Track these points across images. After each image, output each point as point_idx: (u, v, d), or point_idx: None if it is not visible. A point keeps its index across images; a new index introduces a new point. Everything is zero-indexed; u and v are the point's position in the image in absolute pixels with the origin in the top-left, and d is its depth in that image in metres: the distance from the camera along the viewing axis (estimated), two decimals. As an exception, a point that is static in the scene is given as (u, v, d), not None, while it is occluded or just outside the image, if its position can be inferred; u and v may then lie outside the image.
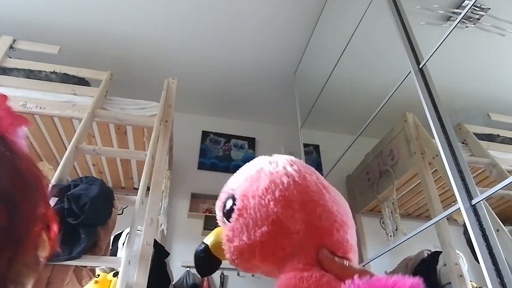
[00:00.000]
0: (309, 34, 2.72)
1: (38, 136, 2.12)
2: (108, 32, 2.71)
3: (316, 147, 3.29)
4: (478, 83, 1.90)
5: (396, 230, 2.14)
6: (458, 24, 1.33)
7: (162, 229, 2.36)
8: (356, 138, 2.05)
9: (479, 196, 1.10)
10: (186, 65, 2.98)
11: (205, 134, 3.37)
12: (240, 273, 2.65)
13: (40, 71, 2.07)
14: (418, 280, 0.34)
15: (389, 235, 2.17)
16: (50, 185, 1.42)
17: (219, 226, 0.53)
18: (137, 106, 2.07)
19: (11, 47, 2.19)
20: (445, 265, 1.86)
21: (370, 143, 2.56)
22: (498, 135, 1.76)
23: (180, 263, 2.51)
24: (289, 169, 0.50)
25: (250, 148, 3.38)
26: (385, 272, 2.20)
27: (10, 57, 2.16)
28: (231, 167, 3.18)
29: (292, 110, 3.02)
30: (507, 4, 1.58)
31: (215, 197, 0.55)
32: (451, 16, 1.61)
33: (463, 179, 1.18)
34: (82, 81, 2.13)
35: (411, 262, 2.11)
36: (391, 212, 2.23)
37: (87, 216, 1.31)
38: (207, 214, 2.72)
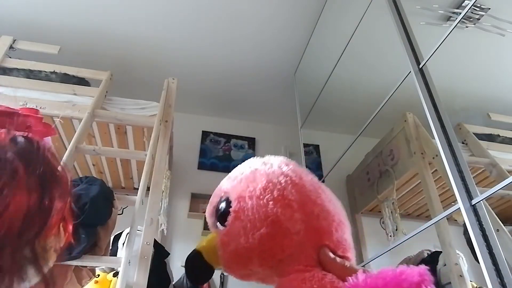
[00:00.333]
0: (309, 34, 2.72)
1: (38, 136, 2.12)
2: (108, 32, 2.71)
3: (316, 147, 3.28)
4: (478, 83, 1.90)
5: (396, 230, 2.14)
6: (458, 24, 1.33)
7: (162, 229, 2.36)
8: (356, 138, 2.05)
9: (479, 196, 1.10)
10: (186, 65, 2.98)
11: (205, 134, 3.37)
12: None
13: (40, 71, 2.07)
14: (424, 268, 0.34)
15: (389, 235, 2.17)
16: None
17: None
18: (137, 106, 2.07)
19: (11, 47, 2.19)
20: (445, 265, 1.86)
21: (370, 143, 2.56)
22: (498, 135, 1.76)
23: (180, 263, 2.51)
24: (285, 168, 0.49)
25: (250, 148, 3.38)
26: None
27: (10, 57, 2.16)
28: (231, 167, 3.10)
29: (292, 110, 3.02)
30: (507, 4, 1.58)
31: (215, 197, 0.55)
32: (451, 16, 1.61)
33: (463, 179, 1.18)
34: (82, 81, 2.13)
35: (411, 262, 2.11)
36: (391, 212, 2.23)
37: (87, 216, 1.31)
38: (207, 214, 2.71)
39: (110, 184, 2.63)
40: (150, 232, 1.55)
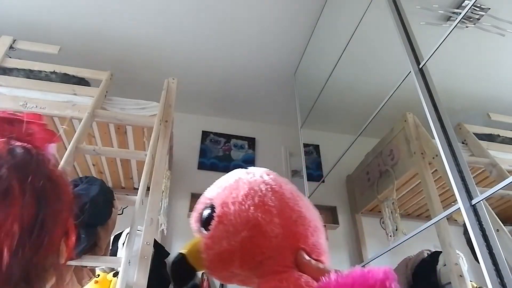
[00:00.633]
0: (309, 34, 2.72)
1: (38, 136, 2.12)
2: (108, 32, 2.71)
3: (316, 147, 3.29)
4: (478, 83, 1.90)
5: (396, 230, 2.14)
6: (458, 24, 1.33)
7: (162, 229, 2.36)
8: (356, 138, 2.05)
9: (479, 196, 1.10)
10: (186, 65, 2.98)
11: (205, 134, 3.37)
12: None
13: (40, 71, 2.07)
14: (389, 267, 0.37)
15: (389, 235, 2.17)
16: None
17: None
18: (137, 106, 2.07)
19: (11, 47, 2.19)
20: (445, 265, 1.86)
21: (370, 143, 2.56)
22: (498, 135, 1.76)
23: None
24: (266, 178, 0.52)
25: (250, 148, 3.38)
26: (385, 272, 2.20)
27: (10, 57, 2.15)
28: (231, 167, 3.16)
29: (292, 110, 3.02)
30: (507, 4, 1.58)
31: (215, 197, 0.55)
32: (451, 16, 1.61)
33: (463, 179, 1.18)
34: (82, 81, 2.13)
35: (411, 262, 2.11)
36: (391, 212, 2.23)
37: (87, 216, 1.31)
38: (207, 214, 2.71)
39: (110, 184, 2.63)
40: (150, 232, 1.55)
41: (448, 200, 1.85)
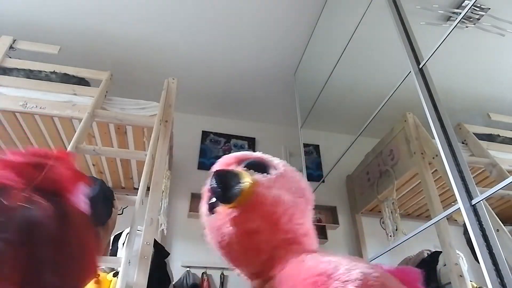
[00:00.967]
0: (309, 34, 2.72)
1: (38, 136, 2.12)
2: (108, 32, 2.71)
3: (316, 147, 3.29)
4: (478, 83, 1.90)
5: (396, 230, 2.14)
6: (458, 24, 1.33)
7: (162, 229, 2.36)
8: (356, 138, 2.05)
9: (479, 196, 1.10)
10: (186, 65, 2.98)
11: (205, 134, 3.37)
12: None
13: (40, 71, 2.07)
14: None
15: (389, 235, 2.18)
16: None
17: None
18: (137, 106, 2.06)
19: (11, 47, 2.19)
20: (445, 265, 1.86)
21: (370, 143, 2.56)
22: (498, 135, 1.76)
23: (180, 263, 2.51)
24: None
25: (250, 148, 3.38)
26: (385, 272, 2.20)
27: (10, 57, 2.15)
28: (231, 167, 3.16)
29: (292, 110, 3.02)
30: (507, 4, 1.58)
31: (215, 197, 0.56)
32: (451, 16, 1.61)
33: (463, 179, 1.18)
34: (82, 81, 2.13)
35: (411, 262, 2.11)
36: (391, 212, 2.23)
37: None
38: (207, 214, 2.71)
39: (110, 184, 2.63)
40: (150, 232, 1.55)
41: (448, 200, 1.85)
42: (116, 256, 1.82)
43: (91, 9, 2.56)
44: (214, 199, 0.55)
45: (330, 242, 2.71)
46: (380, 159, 2.43)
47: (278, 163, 0.59)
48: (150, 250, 1.51)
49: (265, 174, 0.54)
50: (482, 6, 1.51)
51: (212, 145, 3.32)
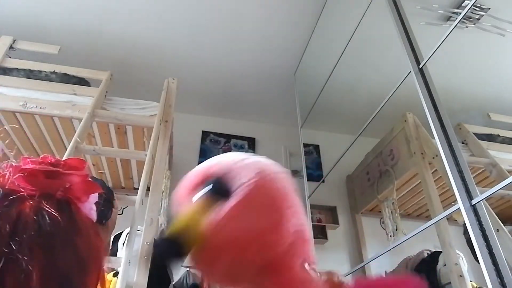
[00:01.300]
0: (309, 34, 2.72)
1: (38, 136, 2.12)
2: (108, 32, 2.71)
3: (316, 147, 3.29)
4: (478, 83, 1.90)
5: (396, 230, 2.14)
6: (458, 24, 1.33)
7: (162, 229, 2.36)
8: (356, 138, 2.05)
9: (479, 196, 1.10)
10: (186, 65, 2.98)
11: (205, 134, 3.37)
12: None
13: (40, 71, 2.07)
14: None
15: (389, 235, 2.17)
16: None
17: None
18: (137, 106, 2.06)
19: (11, 47, 2.19)
20: (445, 265, 1.86)
21: (370, 143, 2.56)
22: (498, 135, 1.76)
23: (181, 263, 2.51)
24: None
25: (250, 148, 3.38)
26: (385, 272, 2.20)
27: (10, 57, 2.15)
28: (231, 167, 3.16)
29: (292, 110, 3.01)
30: (507, 4, 1.58)
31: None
32: (451, 16, 1.61)
33: (463, 179, 1.18)
34: (82, 81, 2.13)
35: (411, 262, 2.11)
36: (391, 212, 2.23)
37: (87, 216, 1.31)
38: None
39: (110, 184, 2.63)
40: (150, 232, 1.55)
41: (448, 200, 1.85)
42: (116, 256, 1.82)
43: (91, 9, 2.56)
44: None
45: (330, 242, 2.71)
46: (380, 159, 2.43)
47: (244, 181, 0.49)
48: (150, 250, 1.51)
49: (223, 200, 0.48)
50: (482, 6, 1.51)
51: (212, 145, 3.32)
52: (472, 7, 1.35)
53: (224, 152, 3.08)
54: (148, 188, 1.68)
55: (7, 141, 2.15)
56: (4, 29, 2.39)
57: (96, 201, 0.44)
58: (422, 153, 1.98)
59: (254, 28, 2.71)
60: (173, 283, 2.17)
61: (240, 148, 3.35)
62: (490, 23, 1.56)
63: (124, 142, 2.22)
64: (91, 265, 0.38)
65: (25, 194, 0.36)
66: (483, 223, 1.08)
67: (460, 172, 1.19)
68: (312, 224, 2.59)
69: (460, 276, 1.70)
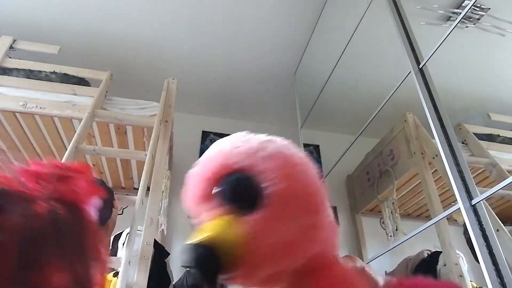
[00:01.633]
0: (309, 34, 2.72)
1: (38, 136, 2.12)
2: (108, 32, 2.71)
3: (316, 147, 3.28)
4: (478, 83, 1.90)
5: (396, 230, 2.13)
6: (458, 24, 1.33)
7: (162, 229, 2.36)
8: (356, 138, 2.05)
9: (479, 196, 1.10)
10: (186, 65, 2.98)
11: (205, 134, 3.37)
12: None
13: (40, 71, 2.07)
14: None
15: (389, 235, 2.17)
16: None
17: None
18: (137, 106, 2.06)
19: (11, 47, 2.19)
20: (445, 265, 1.86)
21: (370, 143, 2.56)
22: (498, 135, 1.76)
23: (180, 263, 2.51)
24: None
25: (250, 148, 3.37)
26: (385, 272, 2.20)
27: (10, 57, 2.15)
28: (231, 167, 3.16)
29: (292, 110, 3.01)
30: (507, 4, 1.58)
31: (215, 197, 0.54)
32: (451, 16, 1.61)
33: (463, 179, 1.18)
34: (82, 81, 2.13)
35: (411, 262, 2.11)
36: (391, 212, 2.23)
37: (87, 216, 1.31)
38: (207, 214, 2.70)
39: (110, 184, 2.62)
40: (150, 232, 1.55)
41: (448, 200, 1.85)
42: (116, 256, 1.82)
43: (91, 9, 2.55)
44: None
45: (330, 242, 2.70)
46: (380, 159, 2.43)
47: (273, 177, 0.41)
48: (150, 250, 1.51)
49: (252, 205, 0.39)
50: (482, 6, 1.51)
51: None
52: (472, 7, 1.36)
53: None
54: (148, 188, 1.68)
55: (7, 141, 2.15)
56: (4, 29, 2.39)
57: (97, 203, 0.45)
58: (422, 153, 1.98)
59: (254, 28, 2.71)
60: (173, 283, 2.18)
61: (240, 148, 3.34)
62: (490, 23, 1.56)
63: (124, 142, 2.22)
64: (97, 264, 0.39)
65: (36, 196, 0.38)
66: (483, 223, 1.08)
67: (460, 172, 1.19)
68: (312, 224, 2.58)
69: (460, 276, 1.70)
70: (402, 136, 2.18)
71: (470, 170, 1.19)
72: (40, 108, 1.89)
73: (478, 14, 1.53)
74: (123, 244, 1.88)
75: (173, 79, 2.27)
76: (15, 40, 2.23)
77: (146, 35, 2.74)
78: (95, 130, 2.12)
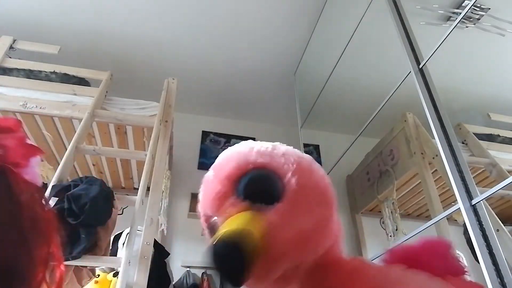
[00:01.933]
0: (309, 34, 2.72)
1: (38, 136, 2.12)
2: (108, 32, 2.71)
3: (316, 147, 3.29)
4: (478, 83, 1.90)
5: (396, 230, 2.14)
6: (458, 24, 1.33)
7: (162, 229, 2.36)
8: (356, 138, 2.05)
9: (479, 196, 1.10)
10: (186, 65, 2.98)
11: (205, 134, 3.37)
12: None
13: (40, 71, 2.07)
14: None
15: (389, 235, 2.17)
16: (51, 185, 1.43)
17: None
18: (137, 106, 2.07)
19: (11, 47, 2.19)
20: (445, 265, 1.85)
21: (370, 143, 2.56)
22: (498, 135, 1.76)
23: (180, 263, 2.51)
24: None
25: (250, 148, 3.37)
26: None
27: (10, 57, 2.15)
28: (231, 167, 3.16)
29: (292, 110, 3.02)
30: (507, 4, 1.58)
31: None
32: (451, 16, 1.61)
33: (463, 179, 1.18)
34: (82, 81, 2.13)
35: (411, 262, 2.11)
36: (391, 212, 2.23)
37: (87, 216, 1.31)
38: (207, 214, 2.70)
39: (110, 184, 2.62)
40: (150, 232, 1.55)
41: (448, 200, 1.85)
42: (116, 256, 1.83)
43: (91, 9, 2.56)
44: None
45: (330, 242, 2.70)
46: (380, 159, 2.43)
47: (289, 172, 0.42)
48: (150, 250, 1.51)
49: (272, 199, 0.40)
50: (482, 6, 1.51)
51: (212, 145, 3.32)
52: (472, 7, 1.36)
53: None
54: (148, 188, 1.69)
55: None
56: (4, 29, 2.39)
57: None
58: (422, 153, 1.98)
59: (254, 28, 2.71)
60: (173, 283, 2.18)
61: (240, 148, 3.34)
62: (490, 23, 1.56)
63: (124, 142, 2.23)
64: (38, 238, 0.33)
65: None
66: (483, 223, 1.08)
67: (460, 172, 1.19)
68: (312, 224, 2.58)
69: (460, 276, 1.70)
70: (402, 136, 2.18)
71: (470, 170, 1.19)
72: (40, 108, 1.89)
73: (478, 14, 1.53)
74: (123, 244, 1.88)
75: (173, 79, 2.27)
76: (15, 40, 2.23)
77: (146, 35, 2.74)
78: (95, 130, 2.12)
